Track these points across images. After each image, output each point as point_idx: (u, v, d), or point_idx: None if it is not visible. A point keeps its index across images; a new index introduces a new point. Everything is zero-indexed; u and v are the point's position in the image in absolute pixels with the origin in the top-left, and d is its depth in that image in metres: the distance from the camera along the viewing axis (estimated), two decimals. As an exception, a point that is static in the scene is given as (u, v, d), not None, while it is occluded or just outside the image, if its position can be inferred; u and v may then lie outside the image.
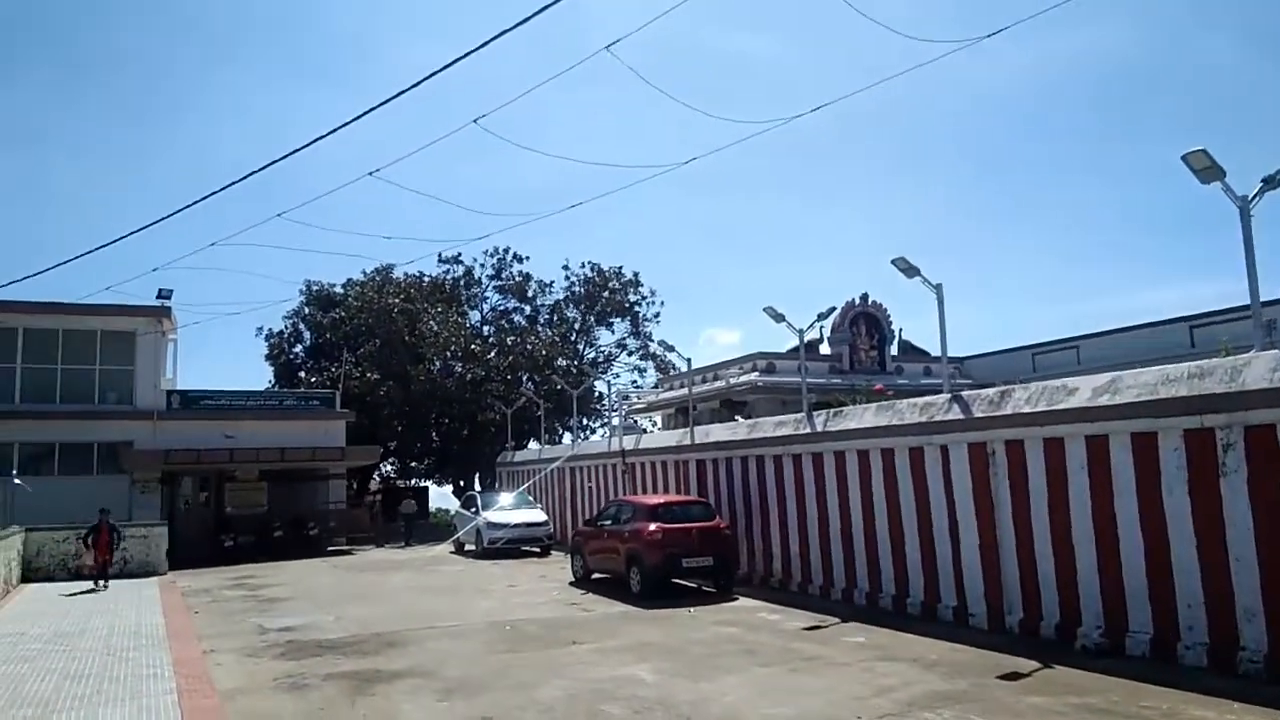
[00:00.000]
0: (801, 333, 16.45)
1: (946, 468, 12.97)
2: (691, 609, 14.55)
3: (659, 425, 36.73)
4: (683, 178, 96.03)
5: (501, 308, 44.21)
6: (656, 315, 43.23)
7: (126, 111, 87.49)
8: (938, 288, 13.30)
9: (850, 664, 10.36)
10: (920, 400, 13.94)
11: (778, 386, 26.71)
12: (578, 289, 43.24)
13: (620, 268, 43.03)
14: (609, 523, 17.34)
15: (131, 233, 14.86)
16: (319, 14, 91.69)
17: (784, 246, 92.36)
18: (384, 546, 29.80)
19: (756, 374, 27.89)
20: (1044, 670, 9.85)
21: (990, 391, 12.75)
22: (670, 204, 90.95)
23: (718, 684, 9.53)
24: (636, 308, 43.02)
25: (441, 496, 47.12)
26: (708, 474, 18.93)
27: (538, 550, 24.83)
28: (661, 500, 16.86)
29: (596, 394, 40.76)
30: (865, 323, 30.70)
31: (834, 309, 19.34)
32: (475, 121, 10.82)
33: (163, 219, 12.92)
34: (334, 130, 10.56)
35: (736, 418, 21.80)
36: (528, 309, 44.02)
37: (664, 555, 15.49)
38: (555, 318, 43.46)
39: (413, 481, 46.19)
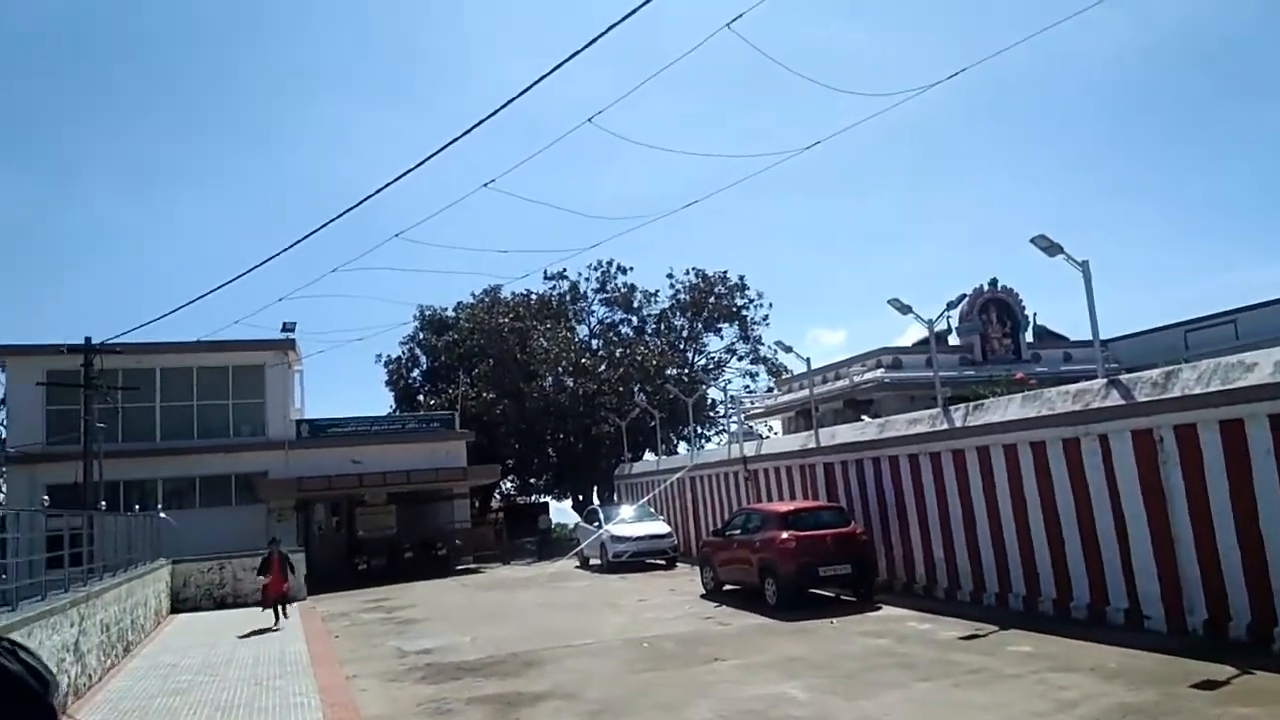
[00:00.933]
0: (930, 323, 15.60)
1: (1107, 459, 11.99)
2: (834, 620, 13.90)
3: (775, 430, 35.98)
4: (777, 178, 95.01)
5: (608, 320, 44.23)
6: (765, 318, 42.46)
7: (241, 142, 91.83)
8: (1084, 265, 12.35)
9: (1021, 675, 9.57)
10: (1072, 387, 12.97)
11: (905, 382, 25.52)
12: (683, 296, 42.81)
13: (725, 272, 42.46)
14: (738, 532, 16.82)
15: (255, 267, 15.29)
16: (414, 40, 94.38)
17: (886, 241, 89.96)
18: (510, 564, 29.96)
19: (882, 370, 26.69)
20: (1243, 677, 8.87)
21: (1153, 373, 11.71)
22: (766, 206, 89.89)
23: (877, 701, 8.91)
24: (744, 311, 42.31)
25: (559, 511, 47.47)
26: (836, 478, 18.19)
27: (662, 563, 24.45)
28: (793, 506, 16.24)
29: (710, 402, 40.23)
30: (996, 309, 29.09)
31: (963, 296, 18.35)
32: (590, 120, 10.58)
33: (284, 250, 13.14)
34: (449, 144, 10.46)
35: (862, 417, 20.94)
36: (634, 320, 43.89)
37: (799, 564, 14.87)
38: (662, 327, 43.17)
39: (532, 498, 46.58)
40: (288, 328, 31.04)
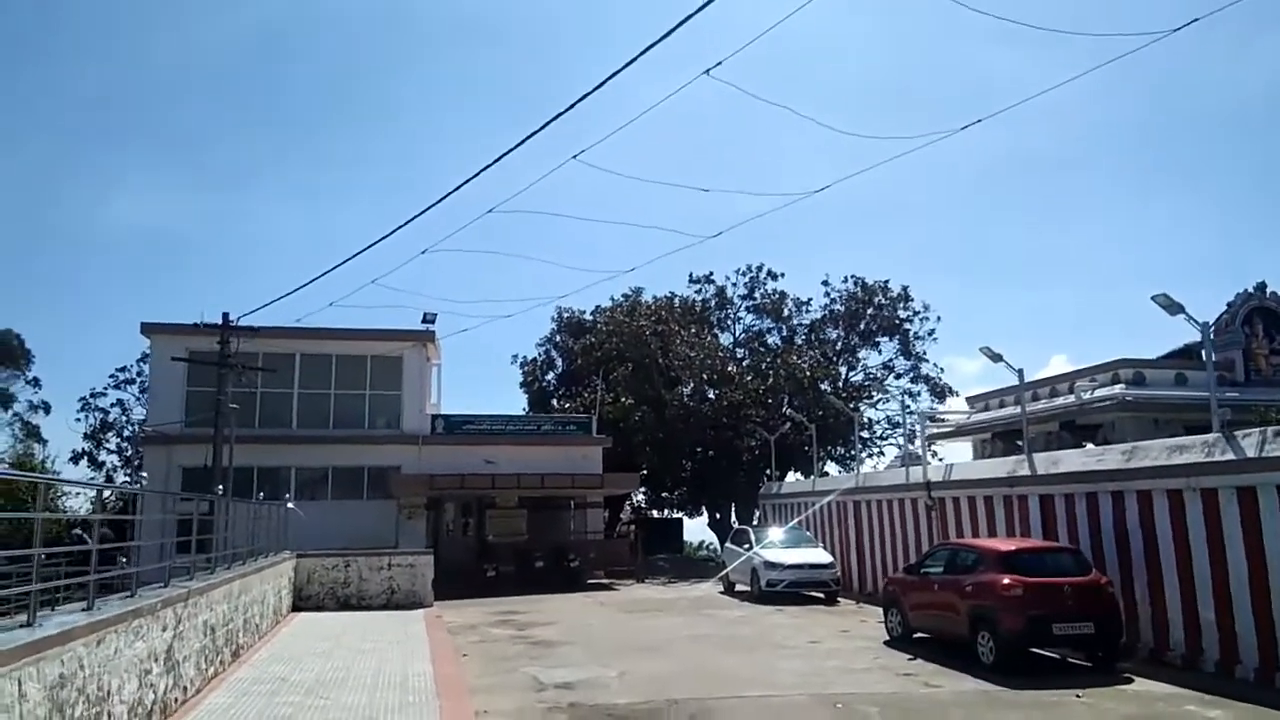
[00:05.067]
0: (1206, 326, 12.38)
1: None
2: (1079, 693, 10.92)
3: (942, 457, 32.39)
4: (924, 197, 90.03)
5: (755, 329, 41.49)
6: (931, 333, 38.77)
7: (394, 161, 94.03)
8: None
9: None
10: None
11: (1151, 402, 21.59)
12: (838, 306, 39.70)
13: (887, 281, 39.05)
14: (940, 570, 13.95)
15: (403, 225, 13.54)
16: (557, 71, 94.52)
17: (1030, 272, 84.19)
18: (645, 582, 27.70)
19: (1121, 387, 22.82)
20: None
21: None
22: (909, 228, 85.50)
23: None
24: (906, 325, 38.81)
25: (692, 529, 45.08)
26: (1056, 513, 15.04)
27: (821, 596, 21.64)
28: (1016, 545, 13.27)
29: (866, 421, 36.89)
30: (1263, 320, 24.27)
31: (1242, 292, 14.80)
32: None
33: (441, 199, 11.23)
34: (642, 53, 8.27)
35: (1085, 444, 17.59)
36: (783, 329, 41.02)
37: (1029, 617, 11.93)
38: (814, 338, 40.11)
39: (665, 512, 44.33)
40: (428, 319, 29.94)
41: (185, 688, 9.69)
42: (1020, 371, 16.59)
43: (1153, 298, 12.41)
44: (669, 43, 8.70)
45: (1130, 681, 11.75)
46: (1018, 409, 20.27)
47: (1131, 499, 13.42)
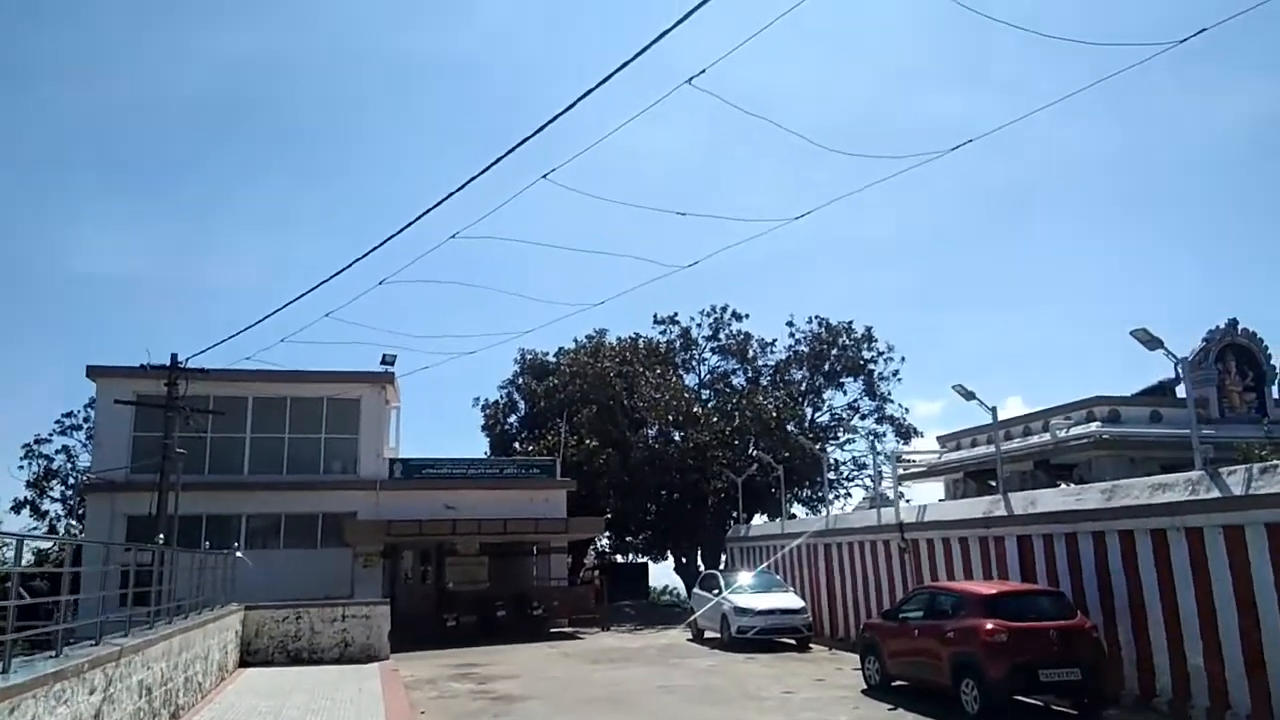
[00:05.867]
0: (1184, 361, 12.20)
1: None
2: (1071, 745, 10.47)
3: (908, 499, 32.14)
4: (880, 242, 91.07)
5: (720, 370, 41.24)
6: (895, 373, 38.81)
7: (359, 200, 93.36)
8: None
9: None
10: None
11: (1126, 440, 21.44)
12: (803, 347, 39.62)
13: (850, 322, 39.12)
14: (919, 615, 13.48)
15: (364, 255, 13.02)
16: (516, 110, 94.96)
17: (985, 308, 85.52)
18: (611, 630, 26.89)
19: (1097, 425, 22.63)
20: None
21: None
22: (868, 271, 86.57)
23: None
24: (871, 365, 38.82)
25: (657, 573, 44.31)
26: (1035, 555, 14.69)
27: (793, 643, 21.04)
28: (998, 589, 12.85)
29: (833, 462, 36.63)
30: (1235, 357, 24.52)
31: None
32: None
33: (405, 228, 10.72)
34: (620, 69, 7.88)
35: (1059, 483, 17.33)
36: (748, 370, 40.80)
37: (1013, 664, 11.49)
38: (779, 379, 39.93)
39: (629, 557, 43.51)
40: (387, 360, 29.28)
41: (115, 757, 8.86)
42: (994, 410, 16.35)
43: (1132, 333, 12.24)
44: (646, 80, 8.39)
45: (1121, 730, 11.36)
46: (990, 448, 20.00)
47: (1113, 539, 13.10)
